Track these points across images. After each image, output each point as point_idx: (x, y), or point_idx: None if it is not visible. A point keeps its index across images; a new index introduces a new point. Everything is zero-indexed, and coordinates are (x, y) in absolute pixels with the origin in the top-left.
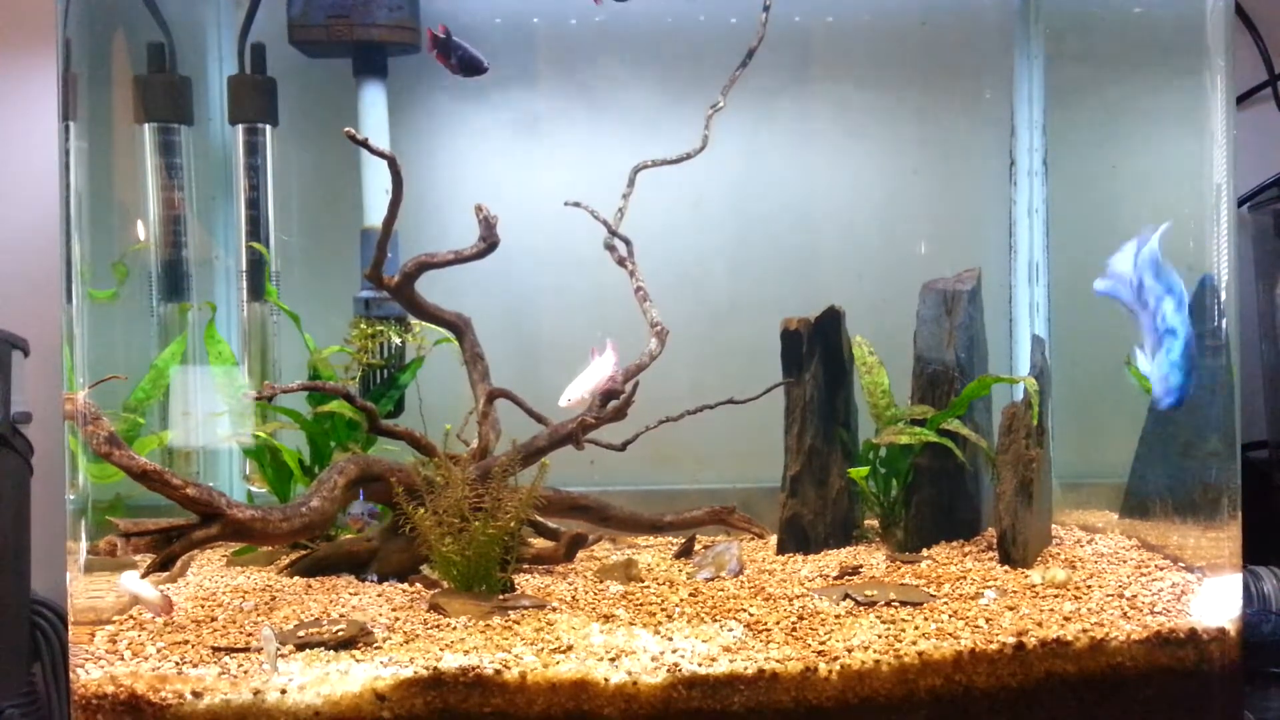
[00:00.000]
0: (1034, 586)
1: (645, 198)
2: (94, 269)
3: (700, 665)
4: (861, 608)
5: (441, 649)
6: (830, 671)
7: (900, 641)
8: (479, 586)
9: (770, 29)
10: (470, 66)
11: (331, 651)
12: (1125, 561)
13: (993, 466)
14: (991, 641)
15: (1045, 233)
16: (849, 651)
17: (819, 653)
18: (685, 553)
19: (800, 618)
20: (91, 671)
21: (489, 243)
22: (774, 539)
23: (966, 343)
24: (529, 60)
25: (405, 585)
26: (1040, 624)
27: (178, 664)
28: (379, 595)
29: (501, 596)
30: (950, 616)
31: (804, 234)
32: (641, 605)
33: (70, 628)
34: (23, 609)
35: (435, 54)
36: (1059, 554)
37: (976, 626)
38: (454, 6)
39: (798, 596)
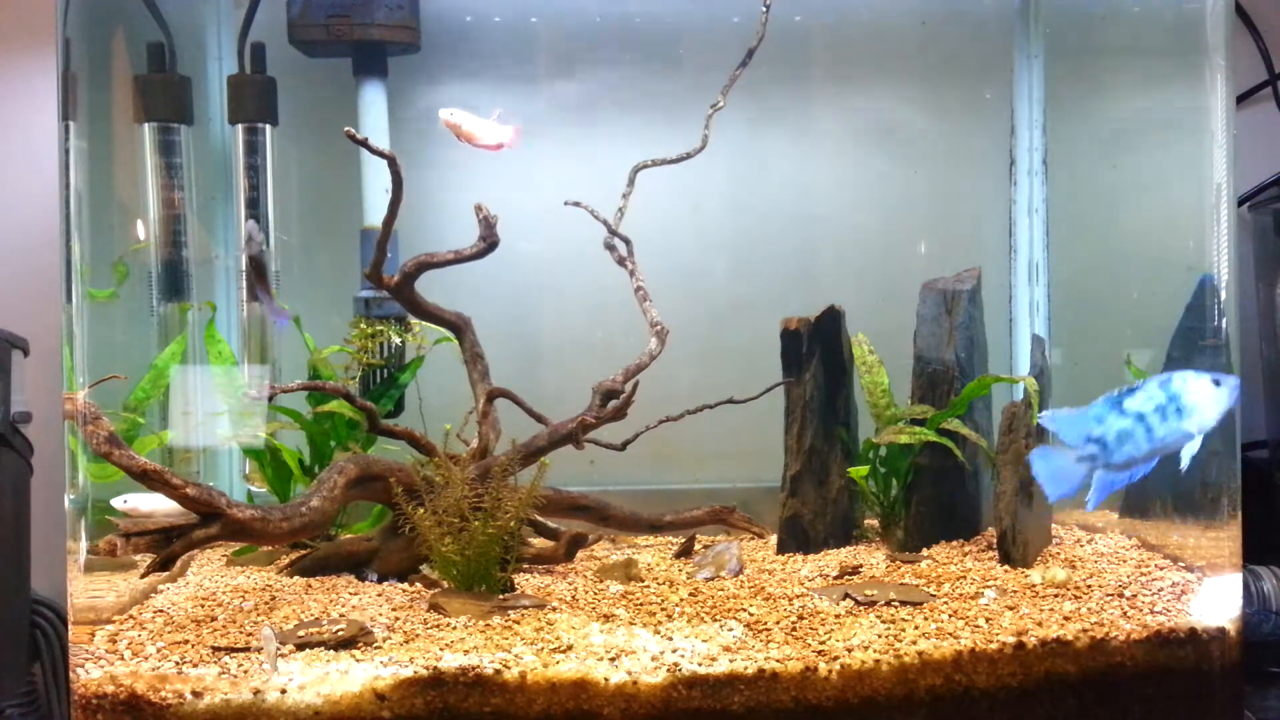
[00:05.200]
0: (1034, 586)
1: (645, 197)
2: (94, 269)
3: (700, 665)
4: (861, 607)
5: (441, 649)
6: (830, 671)
7: (900, 641)
8: (479, 586)
9: (770, 29)
10: None
11: (331, 651)
12: (1125, 561)
13: (993, 466)
14: (991, 641)
15: (1045, 233)
16: (849, 651)
17: (819, 652)
18: (685, 552)
19: (800, 617)
20: (91, 671)
21: (489, 242)
22: (774, 539)
23: (966, 342)
24: (528, 60)
25: (405, 585)
26: (1040, 624)
27: (178, 664)
28: (379, 595)
29: (501, 596)
30: (950, 616)
31: (804, 234)
32: (641, 605)
33: (70, 628)
34: (23, 609)
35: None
36: (1059, 554)
37: (976, 626)
38: (454, 5)
39: (798, 596)
